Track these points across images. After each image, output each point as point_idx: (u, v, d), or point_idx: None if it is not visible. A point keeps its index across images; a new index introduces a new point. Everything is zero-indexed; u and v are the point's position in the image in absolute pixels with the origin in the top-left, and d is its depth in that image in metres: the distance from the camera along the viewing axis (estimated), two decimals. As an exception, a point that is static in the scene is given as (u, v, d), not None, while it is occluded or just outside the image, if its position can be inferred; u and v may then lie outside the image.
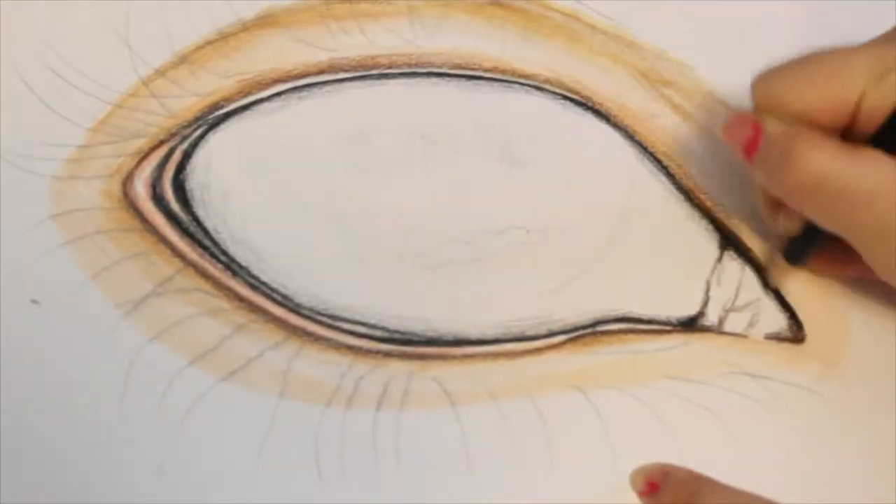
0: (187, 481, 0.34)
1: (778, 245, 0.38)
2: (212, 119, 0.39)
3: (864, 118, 0.34)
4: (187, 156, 0.39)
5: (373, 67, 0.41)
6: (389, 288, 0.37)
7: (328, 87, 0.40)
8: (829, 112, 0.34)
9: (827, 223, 0.34)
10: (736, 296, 0.38)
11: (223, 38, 0.40)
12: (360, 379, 0.36)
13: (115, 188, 0.38)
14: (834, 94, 0.34)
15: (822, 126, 0.34)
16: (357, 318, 0.37)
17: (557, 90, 0.41)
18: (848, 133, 0.34)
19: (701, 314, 0.38)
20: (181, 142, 0.39)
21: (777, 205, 0.37)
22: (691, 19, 0.42)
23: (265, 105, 0.40)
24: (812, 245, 0.37)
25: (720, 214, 0.39)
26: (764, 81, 0.36)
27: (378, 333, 0.37)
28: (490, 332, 0.37)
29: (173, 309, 0.36)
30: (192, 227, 0.38)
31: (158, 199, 0.38)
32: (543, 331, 0.37)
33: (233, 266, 0.37)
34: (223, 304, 0.37)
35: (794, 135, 0.34)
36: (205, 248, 0.38)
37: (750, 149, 0.35)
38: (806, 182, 0.33)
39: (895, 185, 0.33)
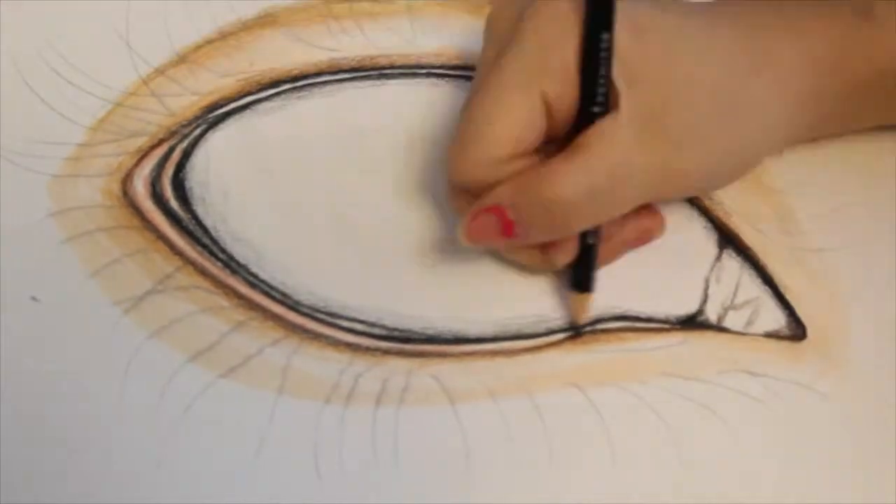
0: (186, 478, 0.35)
1: (566, 286, 0.38)
2: (211, 118, 0.40)
3: (557, 117, 0.35)
4: (187, 154, 0.40)
5: (372, 67, 0.41)
6: (388, 286, 0.38)
7: (328, 87, 0.41)
8: (529, 137, 0.35)
9: (610, 214, 0.36)
10: (735, 293, 0.39)
11: (223, 38, 0.41)
12: (359, 376, 0.36)
13: (115, 186, 0.39)
14: (522, 122, 0.34)
15: (528, 151, 0.35)
16: (355, 315, 0.37)
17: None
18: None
19: (700, 312, 0.38)
20: (181, 140, 0.40)
21: (542, 250, 0.37)
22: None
23: (265, 104, 0.41)
24: (591, 259, 0.37)
25: (719, 213, 0.40)
26: (461, 155, 0.35)
27: (377, 331, 0.37)
28: (489, 330, 0.38)
29: (173, 306, 0.37)
30: (192, 226, 0.39)
31: (158, 198, 0.39)
32: (542, 329, 0.38)
33: (232, 264, 0.38)
34: (222, 301, 0.37)
35: (529, 182, 0.34)
36: (204, 245, 0.38)
37: (507, 229, 0.35)
38: (572, 207, 0.34)
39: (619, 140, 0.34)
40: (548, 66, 0.34)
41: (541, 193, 0.34)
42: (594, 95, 0.34)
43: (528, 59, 0.34)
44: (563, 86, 0.34)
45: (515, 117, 0.34)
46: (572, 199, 0.34)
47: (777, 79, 0.37)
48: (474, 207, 0.35)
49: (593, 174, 0.34)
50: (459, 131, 0.35)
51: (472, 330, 0.37)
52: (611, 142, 0.34)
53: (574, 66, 0.34)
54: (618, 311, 0.38)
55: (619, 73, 0.34)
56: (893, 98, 0.39)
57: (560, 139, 0.35)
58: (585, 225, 0.36)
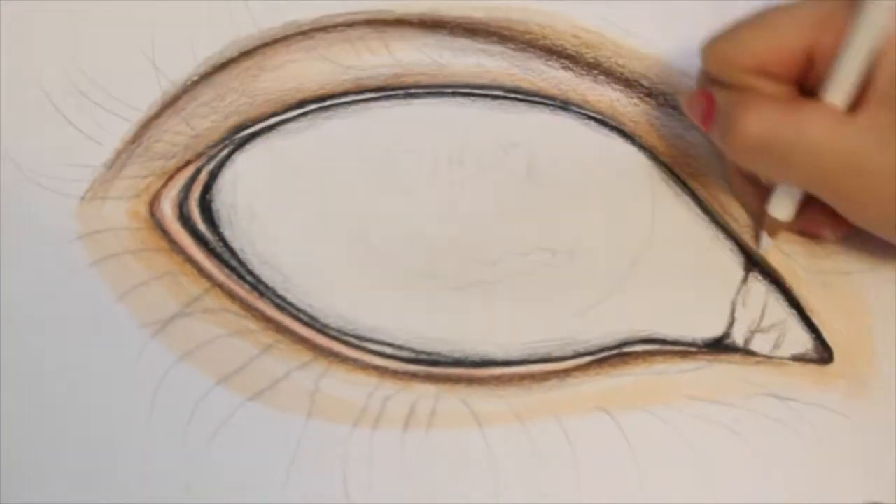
0: (214, 501, 0.36)
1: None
2: (238, 139, 0.41)
3: (819, 67, 0.37)
4: (213, 176, 0.41)
5: (398, 87, 0.42)
6: (416, 309, 0.39)
7: (354, 107, 0.42)
8: (781, 63, 0.37)
9: (785, 181, 0.38)
10: (762, 317, 0.40)
11: (249, 58, 0.42)
12: (387, 399, 0.37)
13: (142, 208, 0.40)
14: (781, 45, 0.37)
15: (776, 78, 0.37)
16: (383, 338, 0.38)
17: (582, 109, 0.43)
18: (806, 85, 0.37)
19: (726, 335, 0.39)
20: (207, 162, 0.41)
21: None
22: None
23: (291, 125, 0.41)
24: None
25: (745, 235, 0.41)
26: (713, 42, 0.38)
27: (404, 354, 0.38)
28: (516, 354, 0.38)
29: (201, 329, 0.38)
30: (219, 248, 0.40)
31: (185, 220, 0.40)
32: (569, 352, 0.39)
33: (259, 287, 0.39)
34: (250, 324, 0.38)
35: (738, 98, 0.37)
36: (231, 268, 0.39)
37: (706, 119, 0.39)
38: (750, 143, 0.36)
39: (837, 136, 0.35)
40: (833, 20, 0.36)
41: (736, 105, 0.37)
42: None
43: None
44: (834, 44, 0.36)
45: (783, 34, 0.37)
46: (753, 133, 0.36)
47: None
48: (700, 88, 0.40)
49: (789, 131, 0.36)
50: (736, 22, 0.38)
51: (500, 353, 0.38)
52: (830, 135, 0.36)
53: None
54: (645, 333, 0.39)
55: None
56: None
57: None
58: (760, 170, 0.39)
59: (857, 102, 0.36)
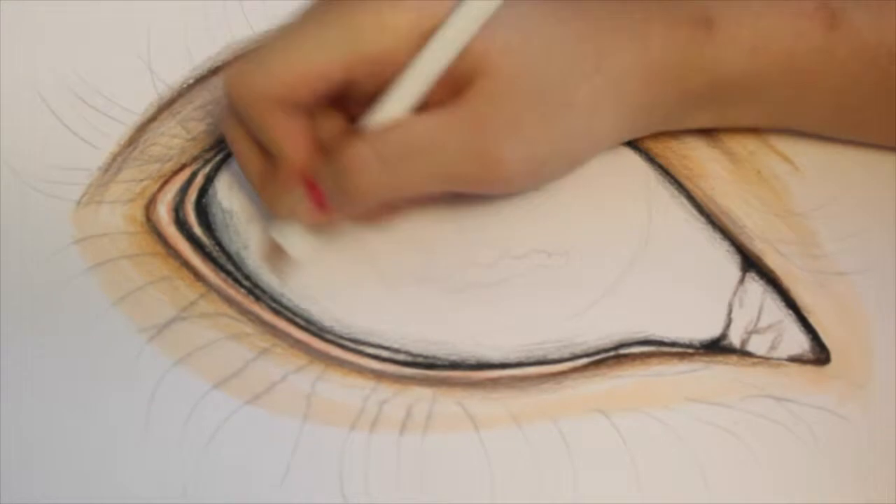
0: (212, 505, 0.36)
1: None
2: (234, 143, 0.41)
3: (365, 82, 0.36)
4: (210, 180, 0.41)
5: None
6: (412, 312, 0.39)
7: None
8: (312, 88, 0.36)
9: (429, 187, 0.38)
10: (758, 317, 0.40)
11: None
12: (384, 403, 0.38)
13: (138, 212, 0.40)
14: (313, 69, 0.36)
15: (304, 104, 0.36)
16: (380, 341, 0.39)
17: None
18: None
19: (723, 336, 0.40)
20: (203, 165, 0.41)
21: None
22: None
23: (287, 128, 0.42)
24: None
25: (741, 236, 0.41)
26: (238, 77, 0.37)
27: (401, 357, 0.39)
28: (513, 356, 0.39)
29: (197, 333, 0.38)
30: (215, 252, 0.40)
31: (181, 224, 0.40)
32: (566, 354, 0.39)
33: (255, 291, 0.39)
34: (247, 328, 0.38)
35: (340, 166, 0.36)
36: (227, 272, 0.39)
37: (319, 200, 0.37)
38: (371, 197, 0.37)
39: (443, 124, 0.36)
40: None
41: (347, 173, 0.36)
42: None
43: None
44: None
45: (329, 54, 0.36)
46: (371, 185, 0.36)
47: (611, 82, 0.38)
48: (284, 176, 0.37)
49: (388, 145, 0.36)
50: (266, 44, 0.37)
51: (496, 356, 0.39)
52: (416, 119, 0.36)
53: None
54: (641, 335, 0.39)
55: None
56: (725, 106, 0.40)
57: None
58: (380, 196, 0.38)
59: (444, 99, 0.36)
